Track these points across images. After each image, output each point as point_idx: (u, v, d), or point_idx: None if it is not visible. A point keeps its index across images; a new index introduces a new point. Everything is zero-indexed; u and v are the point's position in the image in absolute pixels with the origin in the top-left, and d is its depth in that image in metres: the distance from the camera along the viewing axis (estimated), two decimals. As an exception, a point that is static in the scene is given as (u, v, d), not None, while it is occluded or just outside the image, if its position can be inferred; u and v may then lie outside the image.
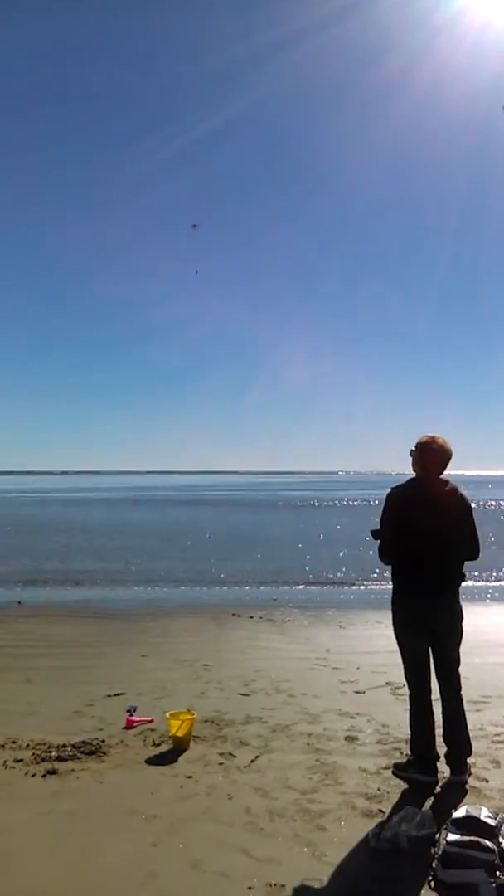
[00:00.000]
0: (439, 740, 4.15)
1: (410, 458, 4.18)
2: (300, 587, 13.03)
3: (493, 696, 5.75)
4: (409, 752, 4.24)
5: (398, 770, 4.17)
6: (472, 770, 4.15)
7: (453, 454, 4.12)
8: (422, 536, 4.00)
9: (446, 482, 4.12)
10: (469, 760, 4.19)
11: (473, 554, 4.15)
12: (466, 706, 5.45)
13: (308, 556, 17.87)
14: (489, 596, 12.10)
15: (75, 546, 20.60)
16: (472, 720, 5.09)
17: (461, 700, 4.19)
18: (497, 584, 13.62)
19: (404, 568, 4.10)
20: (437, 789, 3.96)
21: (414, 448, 4.15)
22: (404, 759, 4.27)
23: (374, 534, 4.15)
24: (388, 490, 4.17)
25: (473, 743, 4.59)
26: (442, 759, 4.12)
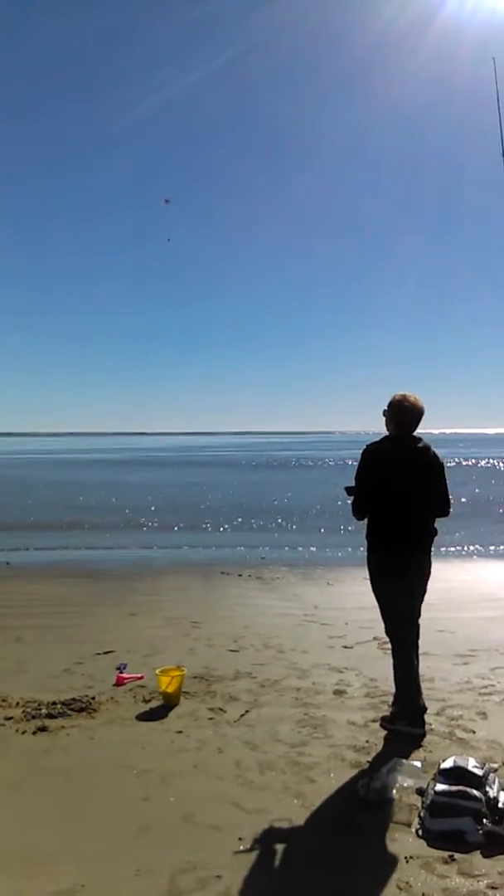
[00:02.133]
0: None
1: (384, 417, 4.21)
2: (286, 547, 13.10)
3: (479, 649, 5.82)
4: (392, 705, 4.29)
5: (386, 723, 4.22)
6: (460, 721, 4.23)
7: (425, 411, 4.16)
8: (396, 493, 4.06)
9: (419, 440, 4.18)
10: (455, 713, 4.30)
11: (444, 511, 4.24)
12: (454, 660, 5.58)
13: (296, 517, 17.95)
14: (475, 552, 12.22)
15: (65, 505, 20.56)
16: (460, 673, 5.20)
17: (417, 651, 4.28)
18: (481, 540, 13.76)
19: (379, 524, 4.15)
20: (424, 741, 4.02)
21: (387, 407, 4.18)
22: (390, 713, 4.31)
23: (349, 490, 4.19)
24: (363, 448, 4.20)
25: (460, 695, 4.70)
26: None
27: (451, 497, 4.26)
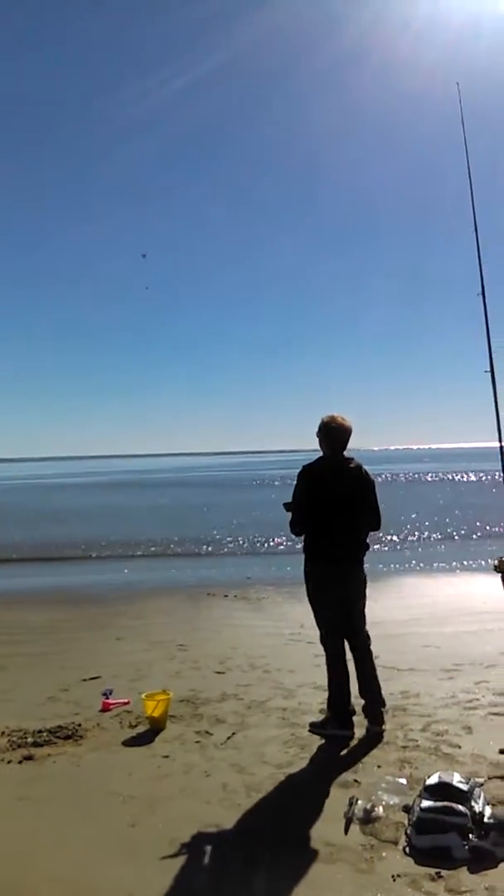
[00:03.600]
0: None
1: (317, 439, 4.46)
2: (273, 567, 13.10)
3: (464, 663, 5.86)
4: (325, 709, 4.52)
5: (315, 728, 4.44)
6: (445, 736, 4.25)
7: (352, 430, 4.44)
8: (329, 510, 4.32)
9: (350, 460, 4.46)
10: (440, 728, 4.38)
11: (375, 525, 4.48)
12: (439, 675, 5.61)
13: (283, 532, 17.95)
14: (458, 567, 12.29)
15: (49, 530, 20.42)
16: (445, 688, 5.23)
17: (371, 656, 4.51)
18: (464, 555, 13.84)
19: (314, 539, 4.41)
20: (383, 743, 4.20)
21: (318, 429, 4.44)
22: (320, 718, 4.53)
23: (287, 506, 4.46)
24: (300, 468, 4.45)
25: (445, 710, 4.73)
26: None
27: (381, 513, 4.48)
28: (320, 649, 4.73)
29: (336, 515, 4.31)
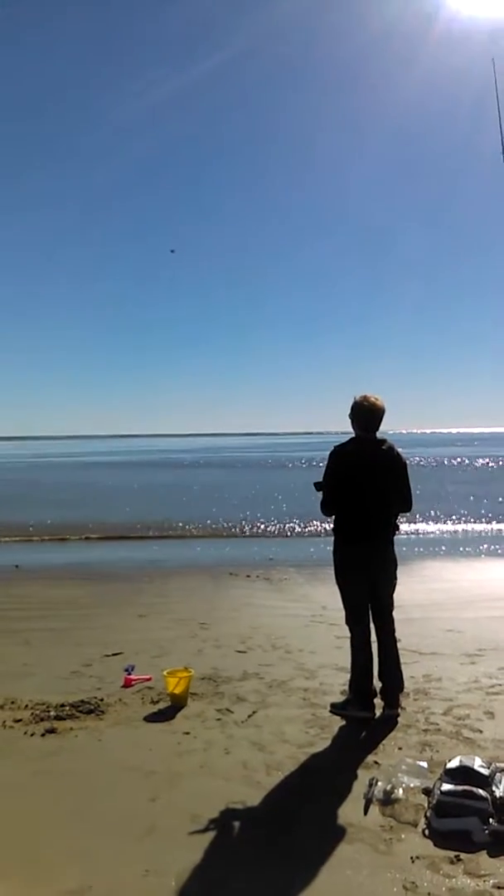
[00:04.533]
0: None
1: (349, 420, 4.42)
2: (296, 548, 13.10)
3: (487, 648, 5.81)
4: (347, 691, 4.53)
5: (336, 708, 4.44)
6: (467, 721, 4.23)
7: (386, 410, 4.38)
8: (361, 491, 4.29)
9: (383, 441, 4.40)
10: (462, 712, 4.36)
11: (406, 507, 4.44)
12: (461, 659, 5.57)
13: (307, 513, 17.95)
14: (483, 552, 12.19)
15: (74, 508, 20.62)
16: (467, 673, 5.19)
17: (395, 640, 4.50)
18: (490, 539, 13.73)
19: (346, 520, 4.37)
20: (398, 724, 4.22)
21: (350, 409, 4.40)
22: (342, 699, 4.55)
23: (317, 486, 4.43)
24: (332, 448, 4.43)
25: (467, 695, 4.70)
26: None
27: (412, 495, 4.44)
28: (342, 631, 4.73)
29: (367, 496, 4.28)
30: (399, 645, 4.52)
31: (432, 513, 17.35)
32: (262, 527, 16.48)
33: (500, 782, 3.20)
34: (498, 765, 3.40)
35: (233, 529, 16.08)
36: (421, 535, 14.79)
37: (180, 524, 16.68)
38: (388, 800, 3.26)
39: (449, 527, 16.14)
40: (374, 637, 4.50)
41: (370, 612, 4.47)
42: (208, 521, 17.08)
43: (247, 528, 16.35)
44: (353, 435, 4.45)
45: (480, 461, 45.03)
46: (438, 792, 3.16)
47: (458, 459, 47.70)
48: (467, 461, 45.29)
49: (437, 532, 15.49)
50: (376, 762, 3.73)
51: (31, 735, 4.17)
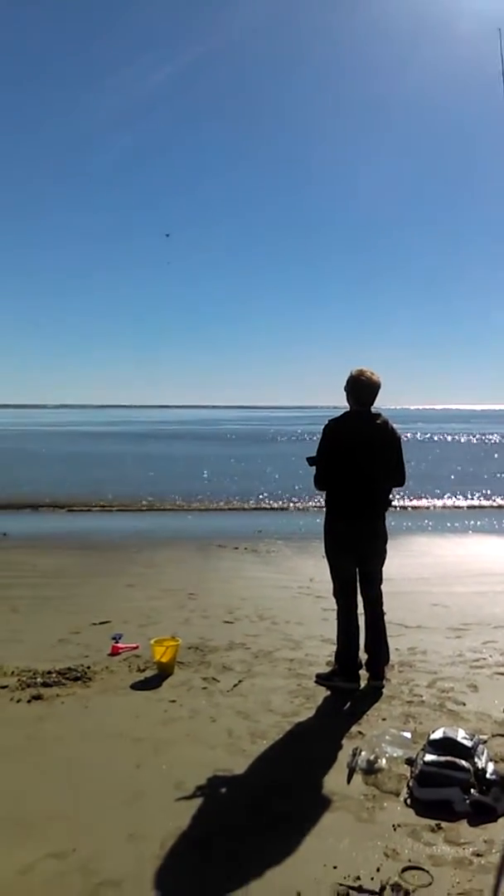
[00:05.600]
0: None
1: (345, 394, 4.40)
2: (284, 521, 13.14)
3: (472, 623, 5.87)
4: (332, 662, 4.58)
5: (321, 679, 4.49)
6: (451, 693, 4.27)
7: (381, 385, 4.36)
8: (355, 465, 4.29)
9: (378, 415, 4.39)
10: (446, 685, 4.41)
11: (399, 481, 4.46)
12: (446, 633, 5.62)
13: (297, 486, 17.99)
14: (470, 527, 12.28)
15: (62, 477, 20.58)
16: (452, 646, 5.24)
17: (382, 613, 4.54)
18: (476, 513, 13.82)
19: (339, 494, 4.38)
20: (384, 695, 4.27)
21: (346, 383, 4.37)
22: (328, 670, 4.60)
23: (311, 461, 4.41)
24: (326, 422, 4.40)
25: (452, 668, 4.74)
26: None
27: (405, 470, 4.47)
28: (329, 603, 4.75)
29: (360, 470, 4.28)
30: (385, 618, 4.55)
31: (423, 488, 17.44)
32: (252, 500, 16.50)
33: (482, 754, 3.24)
34: (480, 737, 3.45)
35: (221, 503, 16.09)
36: (410, 511, 14.88)
37: (171, 496, 16.67)
38: (371, 769, 3.30)
39: (438, 502, 16.25)
40: (360, 609, 4.54)
41: (358, 585, 4.51)
42: (197, 494, 17.08)
43: (235, 501, 16.36)
44: (347, 409, 4.43)
45: (473, 438, 45.20)
46: (421, 762, 3.19)
47: (454, 436, 47.86)
48: (463, 439, 45.44)
49: (428, 507, 15.59)
50: (360, 732, 3.76)
51: (18, 701, 4.18)
